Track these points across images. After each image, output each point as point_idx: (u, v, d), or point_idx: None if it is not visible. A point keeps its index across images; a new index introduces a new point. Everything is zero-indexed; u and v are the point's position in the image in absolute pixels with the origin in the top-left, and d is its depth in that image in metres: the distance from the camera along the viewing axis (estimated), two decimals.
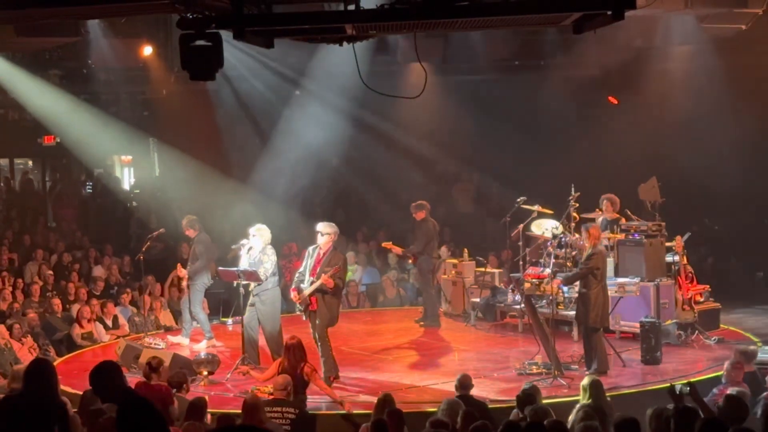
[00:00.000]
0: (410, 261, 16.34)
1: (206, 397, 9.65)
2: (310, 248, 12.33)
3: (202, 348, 14.25)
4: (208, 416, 9.16)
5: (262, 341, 13.01)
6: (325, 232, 12.20)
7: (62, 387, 10.80)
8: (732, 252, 19.39)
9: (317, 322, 12.04)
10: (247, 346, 12.77)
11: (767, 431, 7.27)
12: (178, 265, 15.08)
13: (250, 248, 12.90)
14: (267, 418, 9.10)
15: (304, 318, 12.35)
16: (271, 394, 10.35)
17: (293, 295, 12.25)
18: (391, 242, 16.25)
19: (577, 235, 13.94)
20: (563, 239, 14.25)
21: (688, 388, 8.06)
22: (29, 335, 14.12)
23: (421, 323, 15.74)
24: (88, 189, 23.36)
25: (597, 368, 11.81)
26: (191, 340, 14.87)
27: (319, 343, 12.06)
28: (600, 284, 12.13)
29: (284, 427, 9.42)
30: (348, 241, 18.87)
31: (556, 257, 13.94)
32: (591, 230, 12.38)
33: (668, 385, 8.10)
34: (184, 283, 14.86)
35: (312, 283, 11.97)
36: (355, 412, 10.74)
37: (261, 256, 12.78)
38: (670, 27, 17.19)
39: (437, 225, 15.95)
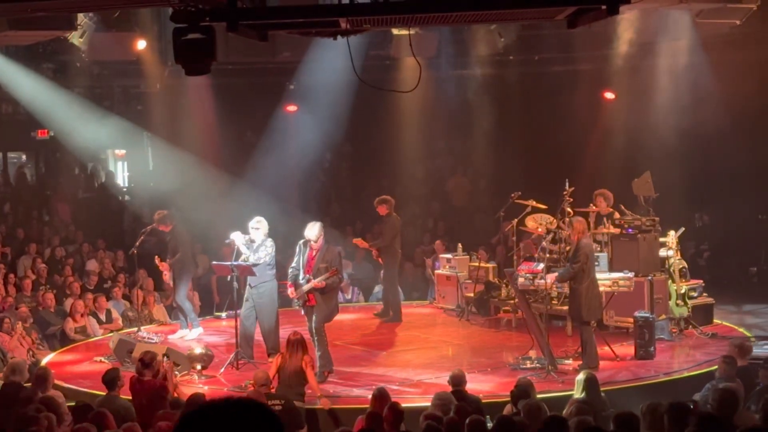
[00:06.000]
0: (374, 256, 16.32)
1: (204, 393, 9.67)
2: (300, 243, 12.28)
3: (191, 338, 14.24)
4: None
5: (258, 336, 12.99)
6: (314, 237, 12.13)
7: (55, 381, 10.83)
8: (726, 247, 19.40)
9: (314, 316, 12.04)
10: (242, 341, 12.75)
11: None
12: (156, 257, 15.00)
13: (251, 241, 12.84)
14: None
15: (302, 313, 12.35)
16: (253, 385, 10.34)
17: (290, 291, 12.23)
18: (360, 238, 16.24)
19: (568, 231, 13.95)
20: (557, 234, 14.25)
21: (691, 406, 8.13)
22: (19, 323, 13.99)
23: (383, 318, 15.76)
24: (82, 183, 23.30)
25: (587, 364, 11.78)
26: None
27: (315, 338, 12.05)
28: (589, 278, 12.11)
29: None
30: (343, 235, 18.88)
31: (551, 252, 13.93)
32: (575, 224, 12.36)
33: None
34: (166, 277, 14.83)
35: (308, 280, 11.96)
36: (349, 406, 10.75)
37: (260, 248, 12.76)
38: (664, 22, 17.18)
39: (400, 220, 15.96)
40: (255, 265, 12.67)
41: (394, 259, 15.78)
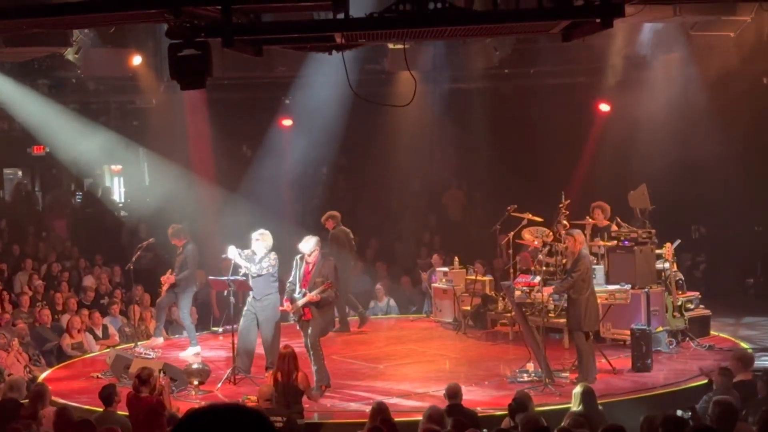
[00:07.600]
0: None
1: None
2: (297, 258, 12.29)
3: (188, 356, 14.21)
4: None
5: (259, 350, 12.94)
6: (308, 251, 12.14)
7: (53, 398, 10.81)
8: (722, 259, 19.40)
9: (310, 331, 12.03)
10: (241, 355, 12.70)
11: None
12: (170, 271, 15.00)
13: (253, 253, 12.81)
14: None
15: (298, 327, 12.34)
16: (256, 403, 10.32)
17: (286, 305, 12.25)
18: None
19: (566, 244, 13.94)
20: (554, 247, 14.25)
21: (690, 413, 8.12)
22: (15, 340, 13.95)
23: (361, 330, 15.99)
24: (78, 199, 23.31)
25: (584, 376, 11.76)
26: (175, 347, 14.84)
27: (311, 352, 12.03)
28: (589, 288, 12.13)
29: None
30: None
31: (547, 265, 13.92)
32: (576, 236, 12.39)
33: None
34: (165, 288, 14.81)
35: (304, 294, 11.95)
36: (347, 421, 10.73)
37: (263, 260, 12.75)
38: (658, 35, 17.23)
39: (350, 233, 16.19)
40: (259, 275, 12.65)
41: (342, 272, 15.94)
